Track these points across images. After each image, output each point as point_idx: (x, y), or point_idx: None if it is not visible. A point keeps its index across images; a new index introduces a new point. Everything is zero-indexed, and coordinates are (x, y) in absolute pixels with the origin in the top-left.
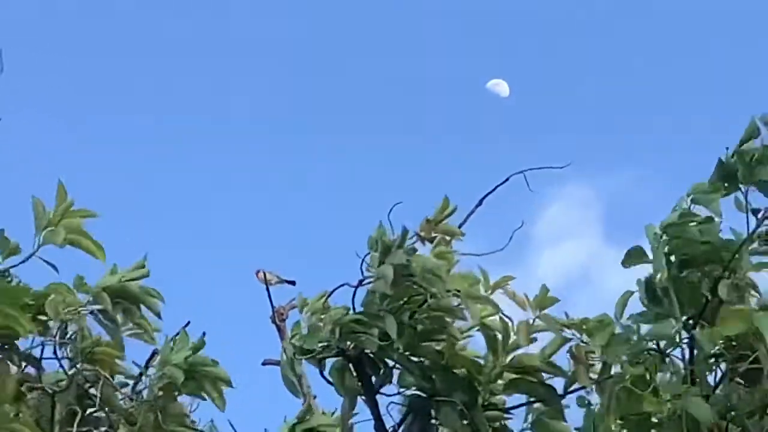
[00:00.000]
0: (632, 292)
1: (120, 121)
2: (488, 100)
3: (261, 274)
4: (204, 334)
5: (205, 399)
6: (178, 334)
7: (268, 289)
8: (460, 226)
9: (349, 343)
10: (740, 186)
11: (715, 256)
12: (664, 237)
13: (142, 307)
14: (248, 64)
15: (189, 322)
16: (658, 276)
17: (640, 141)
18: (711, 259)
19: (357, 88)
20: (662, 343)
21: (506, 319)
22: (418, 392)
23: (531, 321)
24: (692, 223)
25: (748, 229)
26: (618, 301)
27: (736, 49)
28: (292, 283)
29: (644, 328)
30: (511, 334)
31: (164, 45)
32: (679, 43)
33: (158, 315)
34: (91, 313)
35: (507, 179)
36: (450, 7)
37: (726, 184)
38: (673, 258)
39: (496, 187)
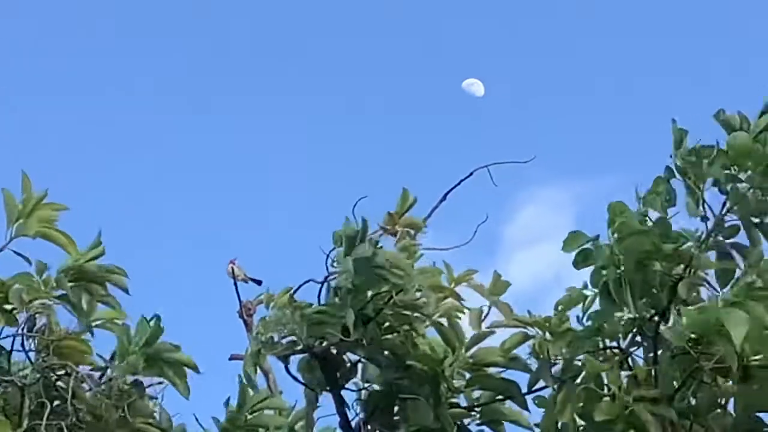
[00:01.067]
0: (583, 291)
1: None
2: (463, 100)
3: (231, 267)
4: (159, 318)
5: (166, 383)
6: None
7: (235, 284)
8: (424, 221)
9: (314, 338)
10: (696, 185)
11: (672, 255)
12: (616, 235)
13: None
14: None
15: (157, 315)
16: (610, 273)
17: (622, 147)
18: (665, 257)
19: (331, 80)
20: (624, 342)
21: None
22: (381, 388)
23: (485, 309)
24: (646, 223)
25: (707, 228)
26: (568, 299)
27: (723, 53)
28: (259, 282)
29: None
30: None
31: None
32: (669, 50)
33: (125, 290)
34: (58, 298)
35: (471, 173)
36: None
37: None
38: (623, 257)
39: (461, 181)
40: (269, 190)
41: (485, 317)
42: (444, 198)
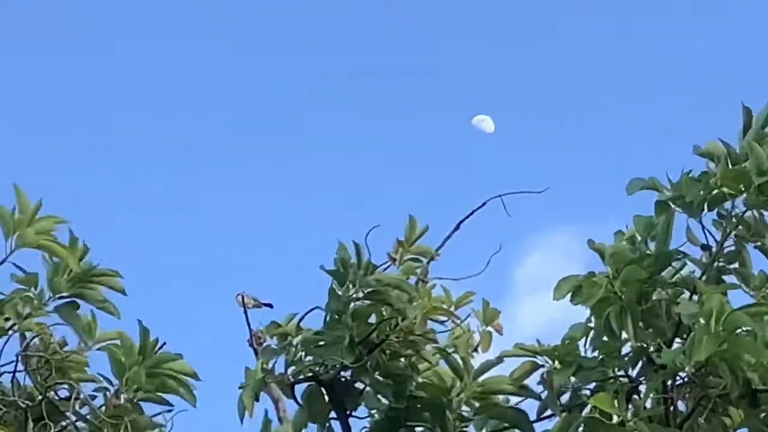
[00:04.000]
0: (588, 324)
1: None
2: (473, 136)
3: (239, 297)
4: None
5: (172, 407)
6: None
7: (246, 313)
8: (437, 250)
9: (318, 365)
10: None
11: (675, 283)
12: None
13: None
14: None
15: (164, 343)
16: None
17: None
18: (668, 285)
19: (343, 108)
20: (633, 372)
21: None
22: (387, 416)
23: (491, 331)
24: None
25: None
26: (574, 333)
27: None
28: (270, 306)
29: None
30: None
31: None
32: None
33: (123, 292)
34: (56, 310)
35: (484, 203)
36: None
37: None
38: (622, 289)
39: (474, 211)
40: (281, 218)
41: (478, 345)
42: (457, 227)
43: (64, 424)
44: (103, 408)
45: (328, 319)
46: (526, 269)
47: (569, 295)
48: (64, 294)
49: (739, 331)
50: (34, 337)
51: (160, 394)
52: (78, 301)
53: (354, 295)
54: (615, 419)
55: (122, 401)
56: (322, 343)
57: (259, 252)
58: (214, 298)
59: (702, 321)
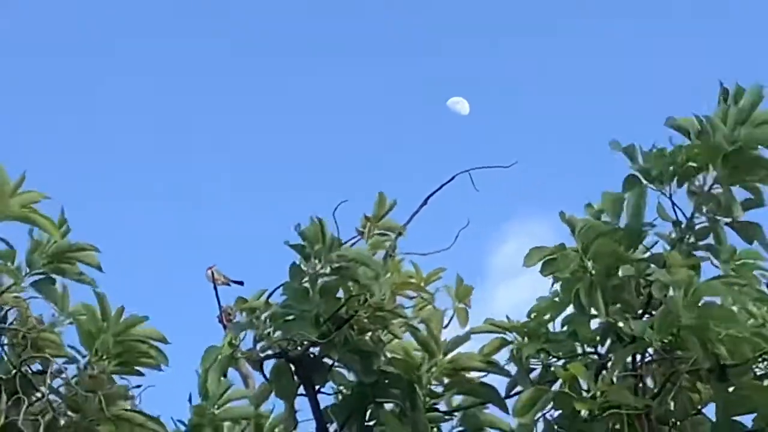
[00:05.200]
0: (554, 299)
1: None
2: (448, 118)
3: (210, 272)
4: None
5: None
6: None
7: (215, 289)
8: (404, 226)
9: (286, 341)
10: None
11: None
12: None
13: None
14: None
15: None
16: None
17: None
18: (637, 261)
19: (322, 91)
20: (603, 349)
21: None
22: (356, 392)
23: (466, 308)
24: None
25: (680, 230)
26: (541, 307)
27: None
28: (240, 283)
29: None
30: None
31: None
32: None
33: (99, 268)
34: (33, 285)
35: (453, 178)
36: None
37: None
38: (592, 263)
39: (442, 186)
40: (254, 192)
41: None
42: (425, 202)
43: (38, 397)
44: (76, 381)
45: (291, 294)
46: (502, 256)
47: (540, 265)
48: (41, 270)
49: (708, 301)
50: (8, 310)
51: (130, 362)
52: (54, 276)
53: (321, 271)
54: (585, 394)
55: (95, 372)
56: (290, 317)
57: (233, 229)
58: (186, 275)
59: (672, 292)
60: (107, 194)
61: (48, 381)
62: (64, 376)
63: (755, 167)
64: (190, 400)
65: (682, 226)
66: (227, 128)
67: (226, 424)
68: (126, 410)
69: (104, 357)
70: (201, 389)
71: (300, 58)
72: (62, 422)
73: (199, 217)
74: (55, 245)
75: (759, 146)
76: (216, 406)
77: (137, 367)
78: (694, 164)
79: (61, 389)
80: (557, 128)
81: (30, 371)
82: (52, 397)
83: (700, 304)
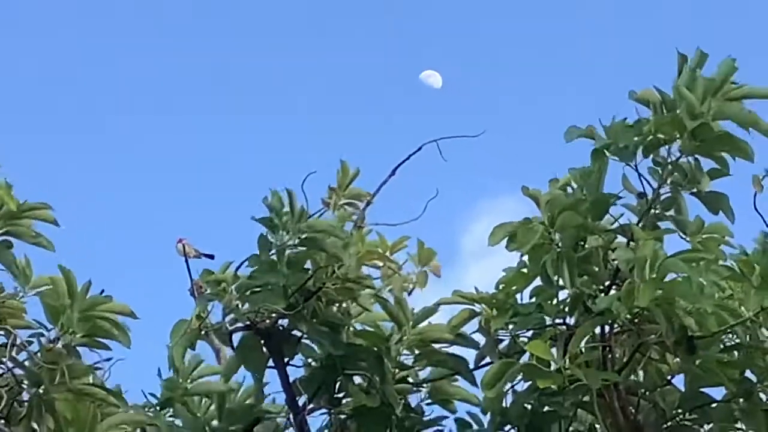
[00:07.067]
0: (521, 270)
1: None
2: (420, 91)
3: (181, 245)
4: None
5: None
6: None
7: (187, 261)
8: (373, 195)
9: (254, 312)
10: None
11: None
12: (548, 214)
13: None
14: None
15: (103, 291)
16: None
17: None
18: (604, 232)
19: (293, 71)
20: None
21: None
22: (325, 364)
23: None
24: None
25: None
26: (508, 279)
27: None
28: (211, 257)
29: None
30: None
31: None
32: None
33: (55, 223)
34: None
35: (420, 148)
36: None
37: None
38: (559, 235)
39: (409, 156)
40: (226, 169)
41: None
42: (393, 172)
43: (0, 370)
44: (39, 354)
45: (258, 266)
46: (475, 235)
47: (505, 241)
48: None
49: (674, 277)
50: None
51: (96, 338)
52: (12, 240)
53: (289, 243)
54: (553, 366)
55: (60, 346)
56: (257, 289)
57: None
58: (158, 249)
59: (637, 267)
60: (75, 166)
61: (12, 353)
62: (28, 348)
63: (721, 143)
64: (159, 374)
65: (648, 197)
66: (194, 100)
67: (196, 398)
68: (87, 384)
69: (70, 331)
70: (170, 363)
71: (271, 38)
72: (25, 396)
73: (172, 188)
74: (5, 208)
75: (728, 120)
76: (189, 380)
77: (104, 340)
78: (662, 135)
79: (26, 362)
80: (531, 105)
81: None
82: (15, 370)
83: (666, 280)
